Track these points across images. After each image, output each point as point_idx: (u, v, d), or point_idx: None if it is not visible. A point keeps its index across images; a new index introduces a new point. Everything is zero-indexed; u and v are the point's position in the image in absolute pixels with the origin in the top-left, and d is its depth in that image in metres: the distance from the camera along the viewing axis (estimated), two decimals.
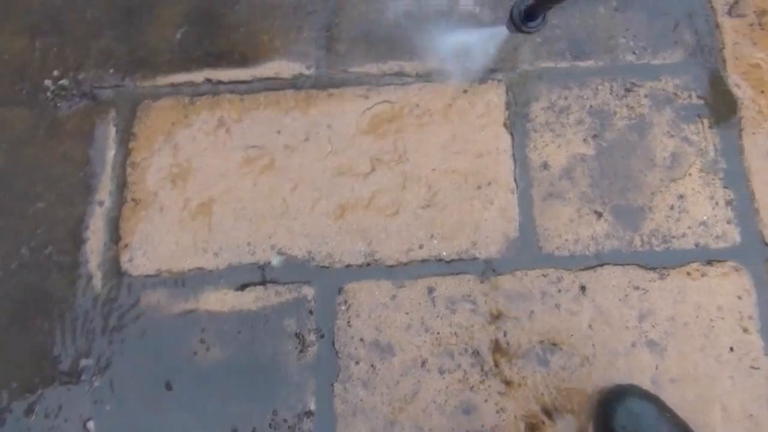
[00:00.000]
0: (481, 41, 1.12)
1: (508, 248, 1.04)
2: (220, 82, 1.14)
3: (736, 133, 1.07)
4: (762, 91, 1.08)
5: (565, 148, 1.08)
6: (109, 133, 1.12)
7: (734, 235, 1.02)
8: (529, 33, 1.05)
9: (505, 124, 1.09)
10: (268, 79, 1.14)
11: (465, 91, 1.11)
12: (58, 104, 1.14)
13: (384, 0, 1.17)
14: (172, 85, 1.14)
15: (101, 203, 1.09)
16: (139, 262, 1.06)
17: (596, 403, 0.93)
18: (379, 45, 1.15)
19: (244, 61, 1.15)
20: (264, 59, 1.15)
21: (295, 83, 1.13)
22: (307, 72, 1.14)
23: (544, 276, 1.02)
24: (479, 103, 1.10)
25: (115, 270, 1.06)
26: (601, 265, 1.02)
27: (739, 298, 0.99)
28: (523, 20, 1.04)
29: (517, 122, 1.09)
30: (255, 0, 1.18)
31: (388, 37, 1.15)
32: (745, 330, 0.97)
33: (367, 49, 1.15)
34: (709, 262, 1.01)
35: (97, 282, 1.06)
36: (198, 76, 1.15)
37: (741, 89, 1.09)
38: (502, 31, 1.05)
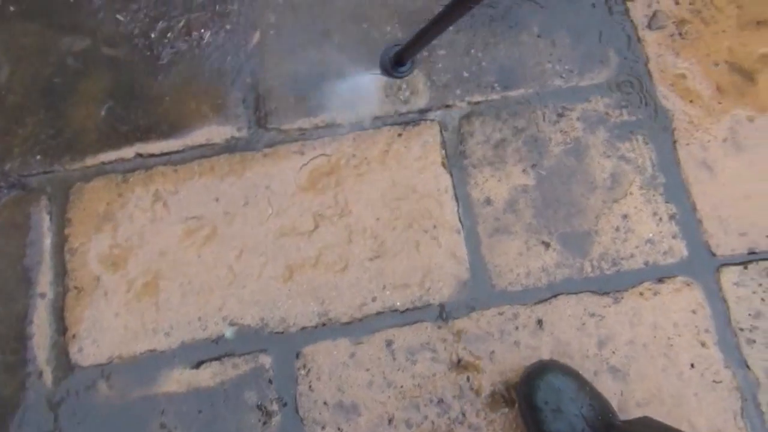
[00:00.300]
0: (357, 87, 1.12)
1: (461, 290, 1.03)
2: (151, 155, 1.11)
3: (670, 146, 1.08)
4: (690, 101, 1.09)
5: (506, 181, 1.07)
6: (43, 222, 1.09)
7: (681, 249, 1.02)
8: (399, 78, 1.06)
9: (443, 164, 1.08)
10: (200, 146, 1.12)
11: (399, 135, 1.10)
12: None
13: (306, 53, 1.15)
14: (103, 164, 1.12)
15: (43, 295, 1.06)
16: (88, 351, 1.03)
17: (520, 380, 0.93)
18: (308, 98, 1.14)
19: (173, 131, 1.13)
20: (194, 126, 1.13)
21: (228, 147, 1.11)
22: (239, 134, 1.12)
23: (500, 314, 1.01)
24: (415, 145, 1.10)
25: (65, 363, 1.03)
26: (555, 296, 1.01)
27: (694, 312, 0.99)
28: (393, 66, 1.05)
29: (455, 160, 1.09)
30: (177, 67, 1.15)
31: (316, 89, 1.14)
32: (703, 344, 0.97)
33: (296, 104, 1.13)
34: (660, 280, 1.01)
35: (48, 378, 1.02)
36: (128, 151, 1.12)
37: (670, 101, 1.10)
38: (377, 76, 1.06)
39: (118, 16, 1.19)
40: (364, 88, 1.11)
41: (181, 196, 1.09)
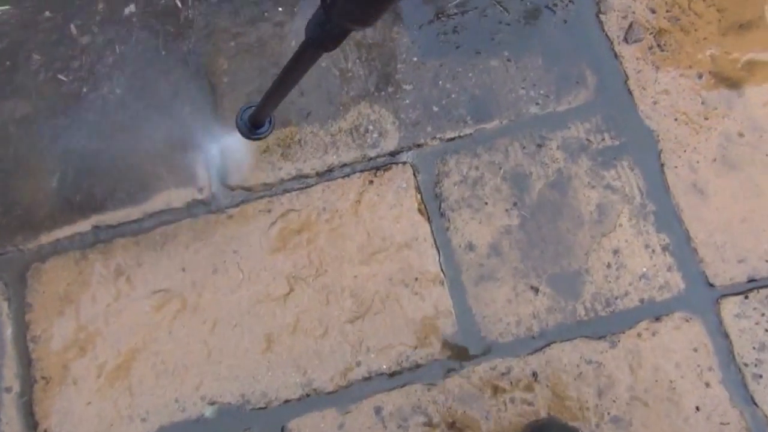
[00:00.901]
0: (223, 151, 1.05)
1: (449, 346, 0.97)
2: (110, 227, 1.05)
3: (658, 170, 1.01)
4: (675, 119, 1.02)
5: (488, 223, 1.01)
6: (1, 310, 1.03)
7: (677, 282, 0.97)
8: (260, 139, 0.98)
9: (419, 210, 1.02)
10: (160, 212, 1.05)
11: (371, 182, 1.03)
12: None
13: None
14: (59, 240, 1.05)
15: (9, 389, 1.00)
16: None
17: None
18: (270, 151, 1.06)
19: (131, 198, 1.06)
20: (152, 191, 1.06)
21: (190, 211, 1.05)
22: (200, 196, 1.05)
23: (492, 369, 0.95)
24: (388, 192, 1.03)
25: None
26: (549, 345, 0.96)
27: (695, 350, 0.94)
28: (251, 129, 0.97)
29: (431, 205, 1.02)
30: (128, 127, 1.08)
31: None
32: (708, 384, 0.92)
33: (257, 157, 1.06)
34: (658, 318, 0.95)
35: None
36: (84, 224, 1.05)
37: (654, 120, 1.03)
38: (238, 138, 0.98)
39: (59, 77, 1.11)
40: (234, 152, 1.04)
41: (145, 269, 1.03)
